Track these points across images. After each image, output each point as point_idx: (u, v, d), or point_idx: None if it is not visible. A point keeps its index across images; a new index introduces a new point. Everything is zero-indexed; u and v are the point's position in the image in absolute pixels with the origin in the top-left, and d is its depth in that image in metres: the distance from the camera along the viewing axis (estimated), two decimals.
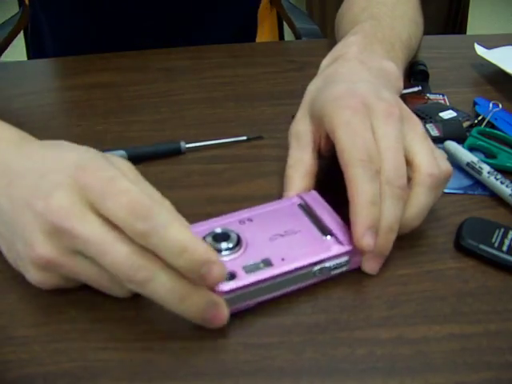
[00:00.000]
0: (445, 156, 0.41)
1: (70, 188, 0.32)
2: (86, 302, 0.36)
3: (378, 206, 0.36)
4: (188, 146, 0.49)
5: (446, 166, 0.40)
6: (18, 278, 0.37)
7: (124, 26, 0.75)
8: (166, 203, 0.35)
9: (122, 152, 0.48)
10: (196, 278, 0.31)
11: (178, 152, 0.49)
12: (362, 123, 0.38)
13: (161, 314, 0.35)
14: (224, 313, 0.33)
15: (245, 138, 0.51)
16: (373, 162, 0.36)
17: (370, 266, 0.37)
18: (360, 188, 0.36)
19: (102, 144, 0.51)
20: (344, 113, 0.39)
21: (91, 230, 0.31)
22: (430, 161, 0.38)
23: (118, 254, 0.31)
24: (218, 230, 0.37)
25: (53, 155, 0.36)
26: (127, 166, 0.36)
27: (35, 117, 0.56)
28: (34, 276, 0.34)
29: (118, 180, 0.32)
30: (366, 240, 0.35)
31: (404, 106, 0.42)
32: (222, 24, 0.79)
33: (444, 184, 0.40)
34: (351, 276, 0.38)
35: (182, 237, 0.31)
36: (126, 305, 0.36)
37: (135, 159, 0.48)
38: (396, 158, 0.37)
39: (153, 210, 0.31)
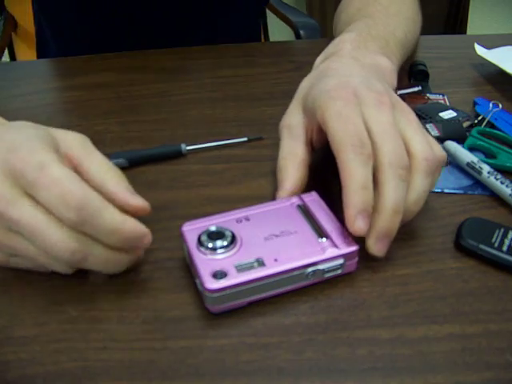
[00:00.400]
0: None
1: (2, 171, 0.33)
2: (86, 302, 0.36)
3: (370, 190, 0.36)
4: (189, 148, 0.49)
5: (440, 151, 0.40)
6: (18, 277, 0.37)
7: (125, 28, 0.75)
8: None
9: (122, 159, 0.48)
10: (127, 249, 0.35)
11: (179, 155, 0.49)
12: (353, 112, 0.38)
13: (161, 314, 0.35)
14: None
15: (245, 139, 0.51)
16: (364, 147, 0.36)
17: (377, 247, 0.37)
18: (352, 173, 0.36)
19: (102, 144, 0.51)
20: (335, 103, 0.39)
21: (22, 213, 0.32)
22: (424, 146, 0.38)
23: (52, 237, 0.32)
24: (213, 228, 0.37)
25: None
26: (78, 140, 0.37)
27: (35, 117, 0.55)
28: None
29: (48, 167, 0.33)
30: (357, 224, 0.35)
31: (395, 95, 0.42)
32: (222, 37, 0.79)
33: (439, 169, 0.40)
34: (351, 276, 0.38)
35: (113, 221, 0.33)
36: (126, 305, 0.36)
37: (136, 163, 0.48)
38: (394, 140, 0.37)
39: (84, 200, 0.32)
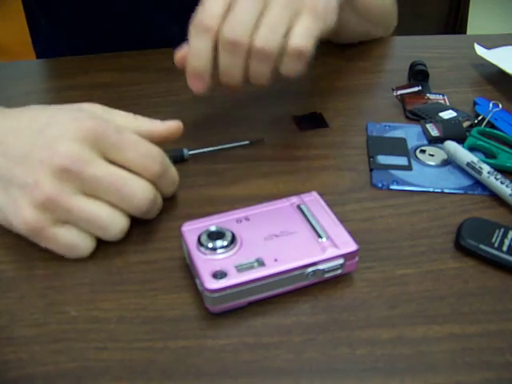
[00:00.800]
0: (311, 36, 0.42)
1: (76, 137, 0.36)
2: (86, 302, 0.36)
3: (203, 58, 0.42)
4: (191, 152, 0.49)
5: (295, 42, 0.41)
6: (18, 277, 0.38)
7: (125, 28, 0.75)
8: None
9: None
10: (169, 195, 0.42)
11: (181, 159, 0.49)
12: None
13: (161, 314, 0.35)
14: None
15: (247, 142, 0.50)
16: (206, 20, 0.41)
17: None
18: (189, 43, 0.42)
19: None
20: None
21: (102, 170, 0.36)
22: (267, 32, 0.41)
23: (134, 188, 0.37)
24: (213, 228, 0.37)
25: (41, 114, 0.40)
26: (97, 107, 0.42)
27: None
28: (26, 215, 0.36)
29: (125, 131, 0.38)
30: (191, 85, 0.44)
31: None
32: None
33: (291, 57, 0.42)
34: (351, 276, 0.38)
35: (175, 172, 0.41)
36: (126, 305, 0.36)
37: None
38: (246, 14, 0.40)
39: (162, 154, 0.39)
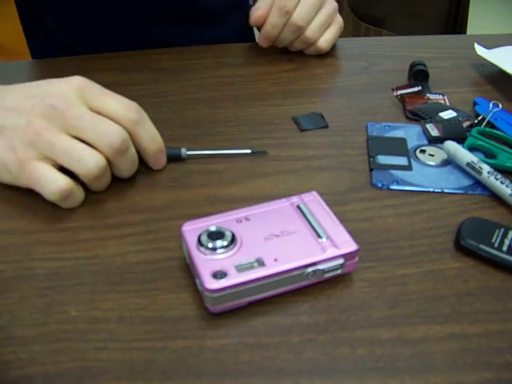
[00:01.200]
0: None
1: (67, 89, 0.43)
2: (86, 302, 0.36)
3: (278, 30, 0.63)
4: (189, 153, 0.49)
5: (322, 44, 0.65)
6: (18, 278, 0.38)
7: (123, 26, 0.75)
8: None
9: None
10: (154, 159, 0.47)
11: (178, 158, 0.49)
12: None
13: (161, 314, 0.35)
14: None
15: (249, 151, 0.50)
16: (288, 6, 0.61)
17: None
18: (271, 17, 0.63)
19: None
20: None
21: (85, 111, 0.42)
22: (314, 28, 0.64)
23: (109, 126, 0.42)
24: (213, 228, 0.37)
25: (38, 81, 0.45)
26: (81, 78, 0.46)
27: None
28: (19, 150, 0.41)
29: (107, 89, 0.44)
30: (262, 44, 0.66)
31: None
32: (221, 31, 0.80)
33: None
34: (351, 276, 0.38)
35: (154, 129, 0.46)
36: (126, 305, 0.36)
37: None
38: (310, 8, 0.62)
39: (139, 107, 0.44)
